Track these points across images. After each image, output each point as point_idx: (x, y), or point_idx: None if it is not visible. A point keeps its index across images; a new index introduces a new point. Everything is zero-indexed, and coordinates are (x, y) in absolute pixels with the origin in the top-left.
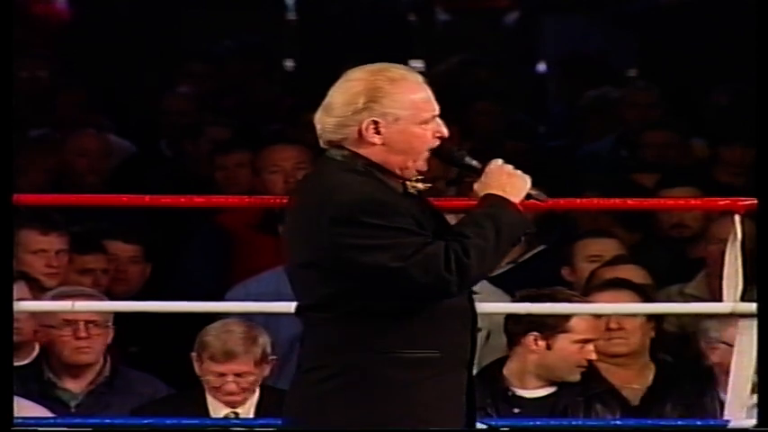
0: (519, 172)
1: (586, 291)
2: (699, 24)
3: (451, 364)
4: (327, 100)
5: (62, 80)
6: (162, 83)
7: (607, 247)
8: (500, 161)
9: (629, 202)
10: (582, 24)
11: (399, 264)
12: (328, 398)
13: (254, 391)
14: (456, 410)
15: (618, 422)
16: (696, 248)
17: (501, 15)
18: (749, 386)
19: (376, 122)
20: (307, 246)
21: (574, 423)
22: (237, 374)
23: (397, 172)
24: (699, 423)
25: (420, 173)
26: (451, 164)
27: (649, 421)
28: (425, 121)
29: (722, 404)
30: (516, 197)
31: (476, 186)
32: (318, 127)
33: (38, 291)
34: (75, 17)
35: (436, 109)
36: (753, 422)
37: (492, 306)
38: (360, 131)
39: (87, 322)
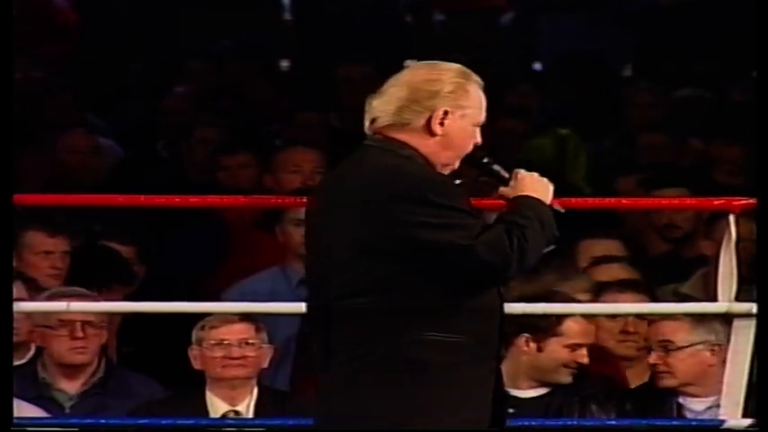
0: (545, 179)
1: (593, 292)
2: (698, 24)
3: (484, 353)
4: (391, 86)
5: (56, 81)
6: (159, 83)
7: (608, 248)
8: (524, 171)
9: (624, 201)
10: (579, 24)
11: (468, 242)
12: (372, 385)
13: (252, 388)
14: (485, 399)
15: (613, 422)
16: (690, 248)
17: (497, 15)
18: (744, 385)
19: (446, 113)
20: (359, 227)
21: (569, 423)
22: (240, 340)
23: (438, 168)
24: (693, 423)
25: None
26: (479, 169)
27: (644, 421)
28: (479, 125)
29: (679, 406)
30: (547, 201)
31: (504, 191)
32: (373, 111)
33: (34, 291)
34: (75, 17)
35: (484, 117)
36: (748, 422)
37: None
38: (429, 119)
39: (83, 323)
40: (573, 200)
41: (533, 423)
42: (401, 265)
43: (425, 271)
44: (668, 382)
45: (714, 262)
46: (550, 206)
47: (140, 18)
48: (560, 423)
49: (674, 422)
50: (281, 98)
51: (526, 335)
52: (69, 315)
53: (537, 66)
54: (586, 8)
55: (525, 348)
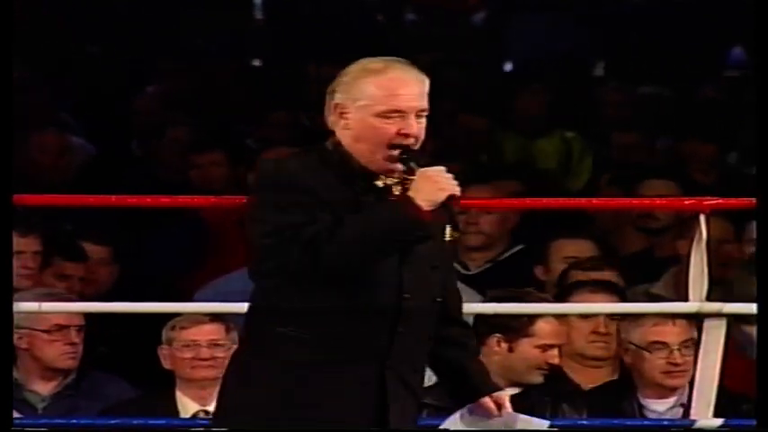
0: (440, 179)
1: (561, 292)
2: (668, 23)
3: (355, 355)
4: None
5: (26, 78)
6: (131, 82)
7: (582, 248)
8: (436, 168)
9: (595, 201)
10: (550, 24)
11: (260, 239)
12: (242, 370)
13: None
14: (354, 405)
15: (584, 422)
16: (664, 247)
17: (469, 15)
18: (714, 386)
19: (337, 105)
20: None
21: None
22: (210, 341)
23: (363, 161)
24: (665, 423)
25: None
26: (401, 164)
27: (615, 421)
28: (382, 114)
29: (640, 407)
30: (424, 201)
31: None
32: None
33: None
34: (47, 14)
35: (403, 106)
36: (719, 422)
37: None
38: (332, 114)
39: (78, 328)
40: (544, 200)
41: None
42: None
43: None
44: (679, 381)
45: (686, 261)
46: (444, 204)
47: (113, 17)
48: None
49: (646, 422)
50: (253, 97)
51: (498, 335)
52: (67, 320)
53: (508, 65)
54: (558, 8)
55: (496, 348)
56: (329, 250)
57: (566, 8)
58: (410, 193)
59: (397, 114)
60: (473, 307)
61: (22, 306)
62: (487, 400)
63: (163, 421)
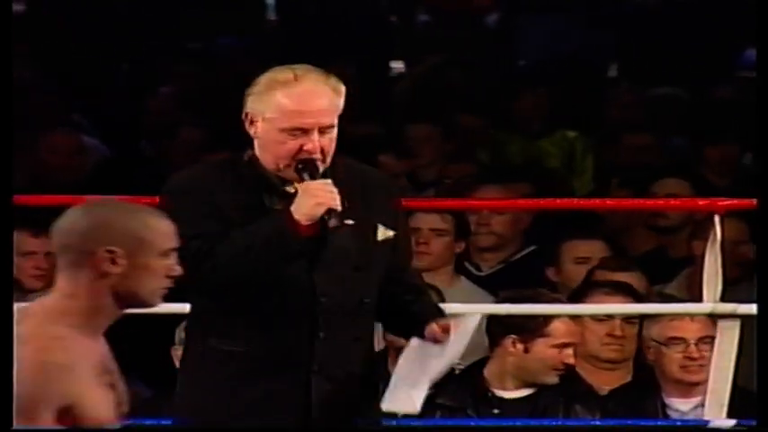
0: (320, 193)
1: (576, 293)
2: (681, 24)
3: (281, 363)
4: None
5: (40, 79)
6: (144, 83)
7: (594, 248)
8: (320, 182)
9: (609, 202)
10: (563, 25)
11: None
12: (179, 384)
13: None
14: (281, 412)
15: (597, 422)
16: (677, 248)
17: (482, 16)
18: (728, 386)
19: (247, 114)
20: None
21: (554, 423)
22: None
23: (271, 169)
24: (678, 423)
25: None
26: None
27: (629, 421)
28: (285, 131)
29: (664, 406)
30: (301, 216)
31: None
32: None
33: (18, 293)
34: (54, 14)
35: (307, 123)
36: (732, 422)
37: (468, 307)
38: (245, 120)
39: None
40: (557, 200)
41: (518, 423)
42: None
43: None
44: (696, 376)
45: (700, 262)
46: (322, 217)
47: (125, 18)
48: (545, 423)
49: (659, 422)
50: None
51: (513, 336)
52: None
53: (519, 66)
54: (571, 9)
55: (512, 349)
56: (207, 265)
57: (578, 9)
58: (291, 207)
59: (299, 131)
60: (488, 308)
61: None
62: (434, 326)
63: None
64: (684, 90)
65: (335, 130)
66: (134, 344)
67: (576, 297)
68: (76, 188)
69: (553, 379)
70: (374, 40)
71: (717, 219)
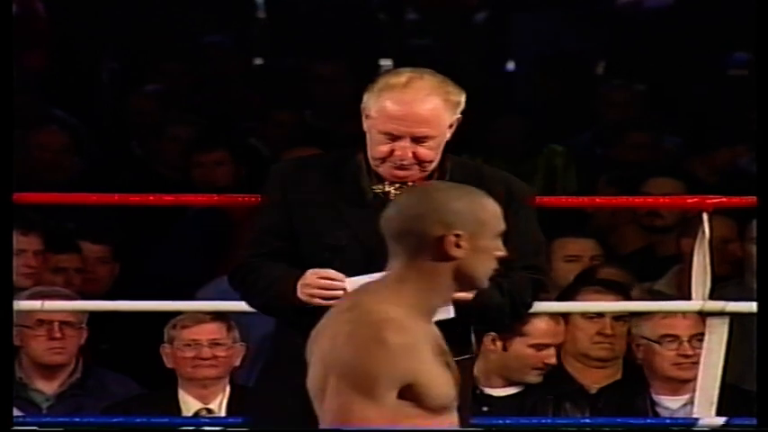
0: (314, 291)
1: (566, 292)
2: (675, 22)
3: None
4: None
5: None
6: (132, 81)
7: (584, 246)
8: (322, 271)
9: (598, 200)
10: (553, 22)
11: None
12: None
13: (225, 386)
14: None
15: (587, 420)
16: (666, 245)
17: (471, 14)
18: (717, 384)
19: (363, 108)
20: None
21: (543, 422)
22: (211, 341)
23: (373, 166)
24: (667, 421)
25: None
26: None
27: (619, 419)
28: (381, 132)
29: (653, 403)
30: (302, 295)
31: None
32: None
33: None
34: (48, 13)
35: (396, 130)
36: (721, 420)
37: None
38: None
39: (61, 323)
40: (546, 198)
41: (507, 422)
42: None
43: None
44: (689, 373)
45: (689, 260)
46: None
47: (114, 16)
48: (534, 422)
49: (648, 420)
50: (255, 96)
51: (492, 334)
52: (47, 315)
53: (510, 65)
54: (560, 6)
55: (492, 347)
56: (241, 289)
57: (569, 7)
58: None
59: (392, 136)
60: None
61: (24, 305)
62: None
63: (165, 419)
64: (674, 88)
65: (440, 139)
66: (124, 342)
67: (567, 295)
68: (65, 187)
69: (534, 378)
70: (363, 38)
71: (705, 216)
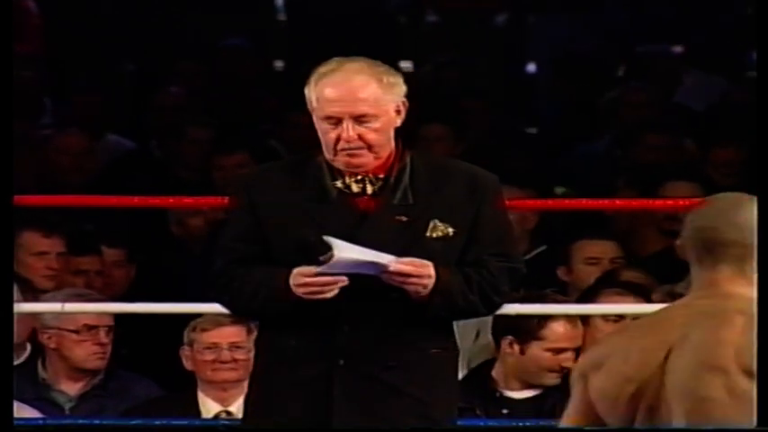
0: (308, 288)
1: (587, 294)
2: (690, 25)
3: (309, 353)
4: None
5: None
6: (152, 82)
7: (605, 249)
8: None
9: (618, 202)
10: (572, 25)
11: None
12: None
13: (244, 389)
14: (312, 400)
15: None
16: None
17: (490, 16)
18: None
19: (308, 107)
20: None
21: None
22: (231, 344)
23: (330, 161)
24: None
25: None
26: None
27: None
28: (322, 119)
29: None
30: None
31: None
32: None
33: (30, 292)
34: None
35: (335, 112)
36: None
37: None
38: None
39: (108, 328)
40: (566, 200)
41: (527, 424)
42: None
43: None
44: None
45: None
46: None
47: (133, 18)
48: (553, 424)
49: None
50: (274, 99)
51: (510, 337)
52: (94, 319)
53: (530, 67)
54: (579, 9)
55: (509, 350)
56: (224, 298)
57: (587, 10)
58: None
59: (334, 120)
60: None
61: (46, 306)
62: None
63: (185, 422)
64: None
65: (383, 121)
66: (144, 344)
67: (587, 297)
68: (86, 189)
69: (552, 381)
70: (382, 40)
71: None
